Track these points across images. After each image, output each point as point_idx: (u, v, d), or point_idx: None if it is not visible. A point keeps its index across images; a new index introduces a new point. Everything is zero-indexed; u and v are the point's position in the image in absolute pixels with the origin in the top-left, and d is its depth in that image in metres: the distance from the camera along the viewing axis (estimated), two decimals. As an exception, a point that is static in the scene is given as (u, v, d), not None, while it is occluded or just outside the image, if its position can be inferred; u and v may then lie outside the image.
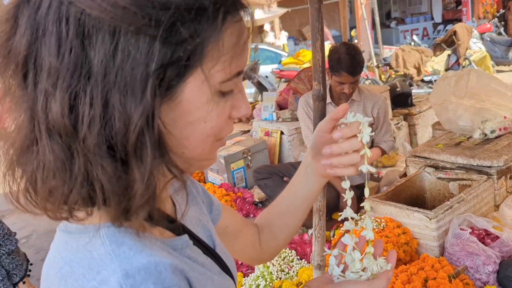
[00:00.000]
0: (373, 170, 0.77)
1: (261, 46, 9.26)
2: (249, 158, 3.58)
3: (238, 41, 0.58)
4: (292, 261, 2.28)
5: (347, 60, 2.81)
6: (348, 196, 0.78)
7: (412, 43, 9.44)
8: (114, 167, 0.53)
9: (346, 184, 0.78)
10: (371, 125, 3.12)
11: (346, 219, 0.79)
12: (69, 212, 0.56)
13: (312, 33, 1.42)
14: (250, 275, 2.25)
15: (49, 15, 0.52)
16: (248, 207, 3.21)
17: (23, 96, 0.54)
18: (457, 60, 7.81)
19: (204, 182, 3.67)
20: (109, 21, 0.51)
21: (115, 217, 0.55)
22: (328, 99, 3.07)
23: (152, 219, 0.59)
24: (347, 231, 0.78)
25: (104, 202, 0.54)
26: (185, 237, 0.67)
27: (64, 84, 0.51)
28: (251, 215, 3.18)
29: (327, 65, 2.96)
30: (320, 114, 1.51)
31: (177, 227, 0.67)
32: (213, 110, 0.59)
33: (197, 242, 0.70)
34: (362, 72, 3.55)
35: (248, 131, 4.35)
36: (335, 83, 2.95)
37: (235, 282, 0.78)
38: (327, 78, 3.04)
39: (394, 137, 3.83)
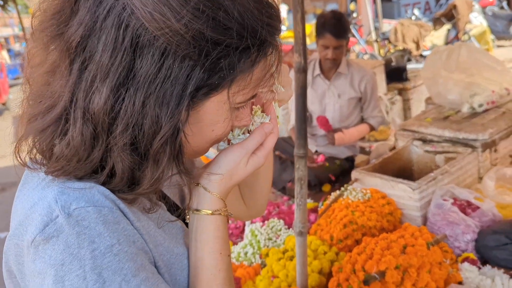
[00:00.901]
0: (283, 89, 0.81)
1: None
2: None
3: (265, 74, 0.66)
4: (280, 230, 2.36)
5: (331, 23, 2.92)
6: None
7: (413, 17, 9.35)
8: (131, 162, 0.62)
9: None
10: (359, 99, 3.13)
11: None
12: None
13: (293, 5, 1.45)
14: (239, 243, 2.33)
15: (110, 16, 0.58)
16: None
17: (66, 76, 0.60)
18: (457, 34, 7.76)
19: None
20: (163, 41, 0.57)
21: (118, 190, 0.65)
22: (318, 71, 3.11)
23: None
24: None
25: (107, 183, 0.64)
26: None
27: (112, 83, 0.58)
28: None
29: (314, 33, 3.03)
30: (301, 86, 1.55)
31: None
32: (223, 123, 0.67)
33: (162, 198, 0.78)
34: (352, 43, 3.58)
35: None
36: (320, 49, 3.02)
37: None
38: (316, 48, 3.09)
39: (387, 112, 3.88)
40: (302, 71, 1.51)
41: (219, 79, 0.61)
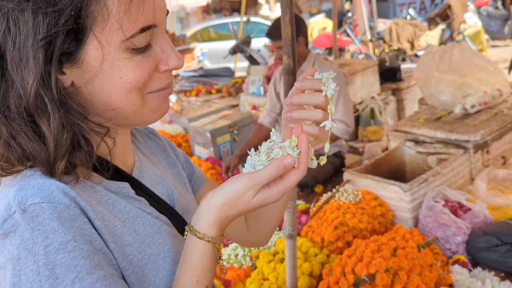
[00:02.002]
0: (335, 125, 0.75)
1: (254, 19, 9.17)
2: (236, 132, 3.61)
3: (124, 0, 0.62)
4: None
5: (270, 27, 3.02)
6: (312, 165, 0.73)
7: (408, 17, 9.36)
8: (29, 129, 0.63)
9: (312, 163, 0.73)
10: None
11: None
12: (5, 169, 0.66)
13: (281, 7, 1.44)
14: (229, 245, 2.31)
15: None
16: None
17: None
18: (451, 34, 7.77)
19: (191, 155, 3.72)
20: None
21: (43, 170, 0.65)
22: None
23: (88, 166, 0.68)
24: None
25: (28, 159, 0.64)
26: (125, 184, 0.75)
27: None
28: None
29: None
30: (290, 88, 1.53)
31: (122, 176, 0.76)
32: (125, 66, 0.65)
33: (148, 196, 0.78)
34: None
35: (237, 105, 4.37)
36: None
37: None
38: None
39: (381, 112, 3.86)
40: (291, 72, 1.49)
41: (70, 18, 0.60)
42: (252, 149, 0.70)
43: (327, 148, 0.74)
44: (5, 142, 0.64)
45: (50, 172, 0.65)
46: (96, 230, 0.65)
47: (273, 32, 2.97)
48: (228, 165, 3.12)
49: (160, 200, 0.81)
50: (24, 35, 0.60)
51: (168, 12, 0.70)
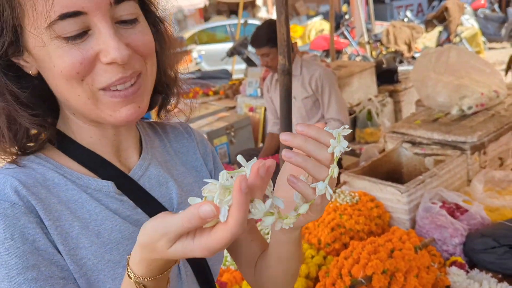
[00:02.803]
0: (331, 191, 0.59)
1: (252, 21, 9.17)
2: (233, 134, 3.61)
3: None
4: (268, 234, 2.33)
5: (253, 35, 3.04)
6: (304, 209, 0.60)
7: (405, 19, 9.38)
8: None
9: (296, 198, 0.61)
10: (315, 98, 3.05)
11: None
12: None
13: (276, 7, 1.43)
14: (226, 247, 2.30)
15: None
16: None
17: None
18: (448, 36, 7.79)
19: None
20: None
21: None
22: (276, 76, 3.12)
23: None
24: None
25: None
26: (108, 183, 0.73)
27: None
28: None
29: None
30: (286, 89, 1.53)
31: (114, 174, 0.74)
32: (54, 54, 0.64)
33: (138, 197, 0.75)
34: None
35: (234, 107, 4.36)
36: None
37: (209, 279, 0.82)
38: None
39: (378, 114, 3.85)
40: (287, 73, 1.49)
41: None
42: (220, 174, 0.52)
43: (303, 209, 0.59)
44: None
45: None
46: (47, 230, 0.65)
47: (256, 39, 2.98)
48: None
49: (154, 202, 0.78)
50: None
51: (110, 1, 0.65)
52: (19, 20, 0.64)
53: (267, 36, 2.90)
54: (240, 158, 0.53)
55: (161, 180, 0.80)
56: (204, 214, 0.48)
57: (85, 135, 0.74)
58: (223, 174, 0.51)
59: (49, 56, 0.64)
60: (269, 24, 2.92)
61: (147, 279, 0.56)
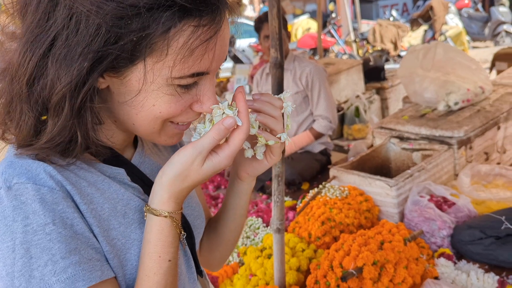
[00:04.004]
0: (289, 139, 0.77)
1: (239, 20, 9.16)
2: (222, 130, 3.61)
3: (190, 45, 0.62)
4: (258, 228, 2.34)
5: (260, 17, 3.11)
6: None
7: (391, 18, 9.47)
8: (34, 116, 0.64)
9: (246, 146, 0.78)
10: (306, 94, 3.07)
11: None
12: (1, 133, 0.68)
13: (268, 0, 1.44)
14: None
15: None
16: (219, 179, 3.25)
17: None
18: (433, 35, 7.89)
19: (177, 154, 3.70)
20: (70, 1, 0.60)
21: (18, 145, 0.67)
22: (267, 69, 3.15)
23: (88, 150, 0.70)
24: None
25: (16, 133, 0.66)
26: (120, 170, 0.75)
27: (25, 38, 0.62)
28: (222, 186, 3.22)
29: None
30: (278, 82, 1.54)
31: (120, 163, 0.76)
32: (162, 98, 0.66)
33: (144, 183, 0.78)
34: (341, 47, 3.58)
35: (222, 104, 4.36)
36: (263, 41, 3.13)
37: (189, 230, 0.85)
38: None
39: (365, 110, 3.89)
40: (279, 66, 1.50)
41: (131, 41, 0.60)
42: (201, 119, 0.71)
43: (271, 142, 0.76)
44: (7, 111, 0.66)
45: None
46: (81, 214, 0.66)
47: (262, 22, 3.02)
48: (229, 170, 3.15)
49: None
50: (79, 38, 0.59)
51: (226, 59, 0.71)
52: (142, 58, 0.62)
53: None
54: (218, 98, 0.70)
55: (158, 168, 0.83)
56: (229, 124, 0.66)
57: (105, 134, 0.73)
58: (219, 106, 0.68)
59: (153, 94, 0.65)
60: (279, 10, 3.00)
61: (177, 213, 0.69)
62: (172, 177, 0.67)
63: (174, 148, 0.94)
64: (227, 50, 0.69)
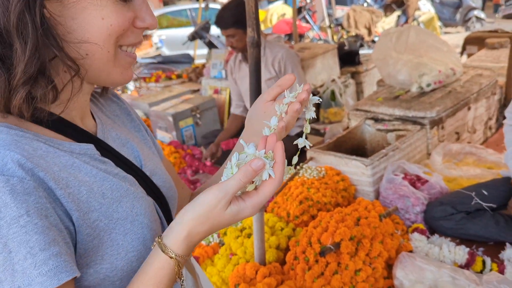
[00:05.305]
0: (310, 145, 0.77)
1: (213, 5, 9.09)
2: (198, 115, 3.60)
3: None
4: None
5: (217, 16, 2.99)
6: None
7: (365, 4, 9.55)
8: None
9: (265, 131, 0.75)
10: (268, 79, 3.08)
11: None
12: None
13: (245, -20, 1.44)
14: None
15: None
16: (197, 164, 3.26)
17: None
18: (406, 20, 8.00)
19: (154, 140, 3.68)
20: None
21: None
22: (240, 56, 3.14)
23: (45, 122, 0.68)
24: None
25: None
26: (89, 146, 0.73)
27: None
28: (200, 171, 3.23)
29: None
30: (255, 62, 1.55)
31: (86, 138, 0.74)
32: (108, 8, 0.66)
33: (114, 156, 0.77)
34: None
35: (198, 90, 4.34)
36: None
37: (164, 202, 0.84)
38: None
39: (341, 94, 3.93)
40: (256, 45, 1.51)
41: None
42: (233, 156, 0.66)
43: (294, 159, 0.74)
44: None
45: (7, 107, 0.63)
46: (59, 200, 0.63)
47: (221, 20, 2.95)
48: (206, 154, 3.15)
49: (127, 161, 0.80)
50: None
51: None
52: None
53: (234, 17, 2.88)
54: (244, 143, 0.67)
55: (123, 141, 0.83)
56: (257, 167, 0.62)
57: (64, 91, 0.71)
58: (236, 156, 0.65)
59: (98, 7, 0.65)
60: (236, 5, 2.90)
61: (184, 258, 0.66)
62: (195, 216, 0.64)
63: (128, 117, 0.92)
64: None
